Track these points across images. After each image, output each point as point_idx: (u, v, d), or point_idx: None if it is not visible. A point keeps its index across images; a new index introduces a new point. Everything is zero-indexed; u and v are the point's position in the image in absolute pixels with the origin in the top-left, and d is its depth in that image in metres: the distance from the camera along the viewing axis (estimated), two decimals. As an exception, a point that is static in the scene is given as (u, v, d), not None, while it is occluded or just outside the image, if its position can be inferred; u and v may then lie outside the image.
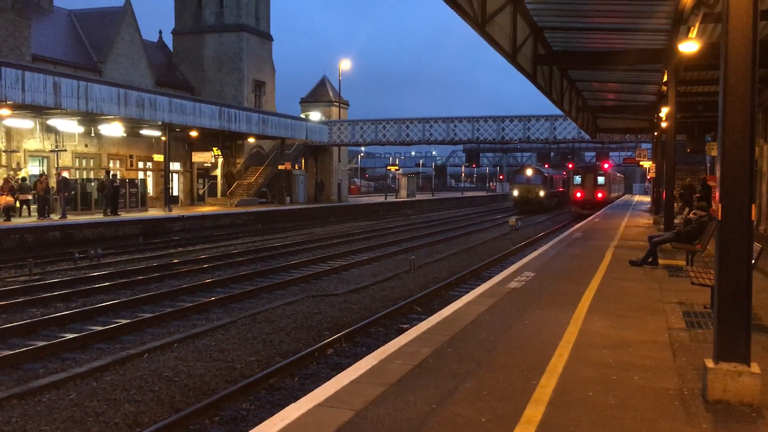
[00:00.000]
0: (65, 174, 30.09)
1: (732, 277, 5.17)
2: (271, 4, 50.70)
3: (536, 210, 49.57)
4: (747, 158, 5.12)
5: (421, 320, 8.85)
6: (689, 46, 12.46)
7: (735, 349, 5.17)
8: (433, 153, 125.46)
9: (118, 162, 38.13)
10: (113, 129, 33.84)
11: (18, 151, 31.74)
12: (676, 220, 19.36)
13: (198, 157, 43.19)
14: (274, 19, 51.09)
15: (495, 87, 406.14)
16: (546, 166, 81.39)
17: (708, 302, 8.79)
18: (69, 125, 32.22)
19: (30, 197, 27.53)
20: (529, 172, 53.19)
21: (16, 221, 25.15)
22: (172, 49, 48.56)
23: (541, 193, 51.07)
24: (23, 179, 28.45)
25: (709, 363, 5.28)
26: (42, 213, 26.78)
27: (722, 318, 5.22)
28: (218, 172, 44.77)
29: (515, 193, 52.90)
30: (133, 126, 35.16)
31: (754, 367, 5.17)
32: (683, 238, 13.13)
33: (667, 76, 17.97)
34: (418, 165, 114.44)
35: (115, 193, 29.90)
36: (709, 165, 34.48)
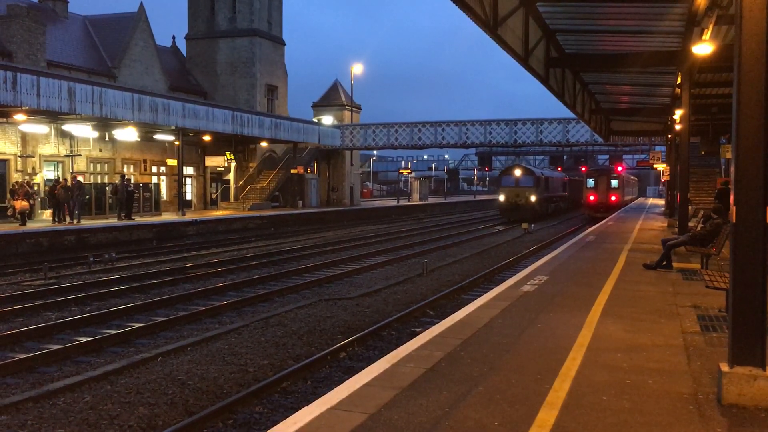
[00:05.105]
0: (80, 178, 30.33)
1: (747, 280, 5.13)
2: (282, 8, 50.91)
3: (527, 218, 40.20)
4: (762, 160, 5.09)
5: (434, 324, 8.84)
6: (703, 48, 12.38)
7: (750, 353, 5.13)
8: (446, 156, 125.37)
9: (132, 166, 38.42)
10: (127, 134, 34.09)
11: (33, 156, 32.05)
12: (690, 223, 19.23)
13: (211, 162, 43.41)
14: (285, 22, 51.30)
15: (507, 88, 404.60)
16: (559, 169, 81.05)
17: (723, 306, 8.71)
18: (83, 130, 32.53)
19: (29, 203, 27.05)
20: (517, 172, 44.99)
21: (31, 225, 25.37)
22: (185, 54, 48.88)
23: (533, 198, 43.73)
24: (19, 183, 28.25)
25: (724, 367, 5.24)
26: (60, 218, 27.04)
27: (737, 321, 5.18)
28: (231, 176, 44.99)
29: (501, 197, 44.88)
30: (147, 131, 35.41)
31: (770, 371, 5.12)
32: (698, 241, 13.05)
33: (681, 78, 17.88)
34: (430, 168, 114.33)
35: (129, 198, 30.09)
36: (723, 168, 34.22)
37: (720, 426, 4.79)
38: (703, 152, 33.63)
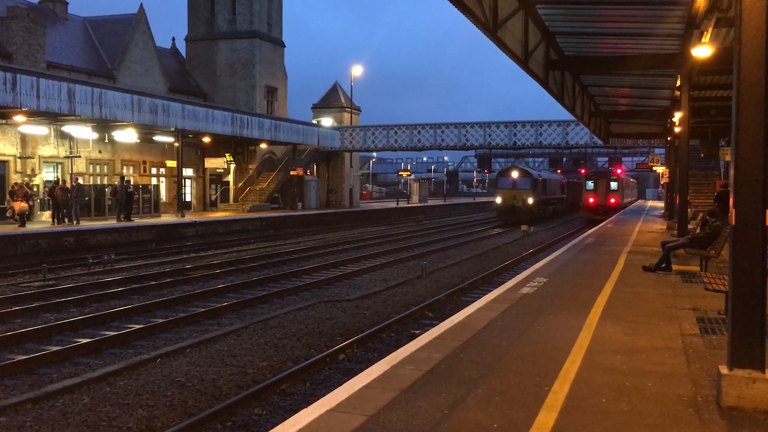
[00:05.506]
0: (80, 180, 30.32)
1: (746, 283, 5.13)
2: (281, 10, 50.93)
3: (524, 221, 38.94)
4: (761, 163, 5.09)
5: (433, 326, 8.83)
6: (702, 50, 12.38)
7: (750, 356, 5.13)
8: (445, 158, 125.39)
9: (131, 168, 38.40)
10: (127, 135, 34.08)
11: (33, 158, 32.03)
12: (689, 226, 19.23)
13: (210, 163, 43.42)
14: (285, 24, 51.33)
15: (507, 90, 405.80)
16: (558, 171, 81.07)
17: (722, 308, 8.71)
18: (83, 132, 32.51)
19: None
20: (514, 174, 44.33)
21: (31, 226, 25.35)
22: (185, 56, 48.86)
23: (530, 200, 43.12)
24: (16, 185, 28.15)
25: (724, 369, 5.24)
26: (59, 219, 27.02)
27: (736, 324, 5.18)
28: (230, 177, 44.99)
29: (498, 200, 44.65)
30: (147, 132, 35.40)
31: (769, 374, 5.12)
32: (697, 244, 13.05)
33: (680, 80, 17.87)
34: (429, 170, 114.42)
35: (128, 199, 30.09)
36: (723, 170, 34.25)
37: (719, 428, 4.79)
38: (702, 155, 33.64)
